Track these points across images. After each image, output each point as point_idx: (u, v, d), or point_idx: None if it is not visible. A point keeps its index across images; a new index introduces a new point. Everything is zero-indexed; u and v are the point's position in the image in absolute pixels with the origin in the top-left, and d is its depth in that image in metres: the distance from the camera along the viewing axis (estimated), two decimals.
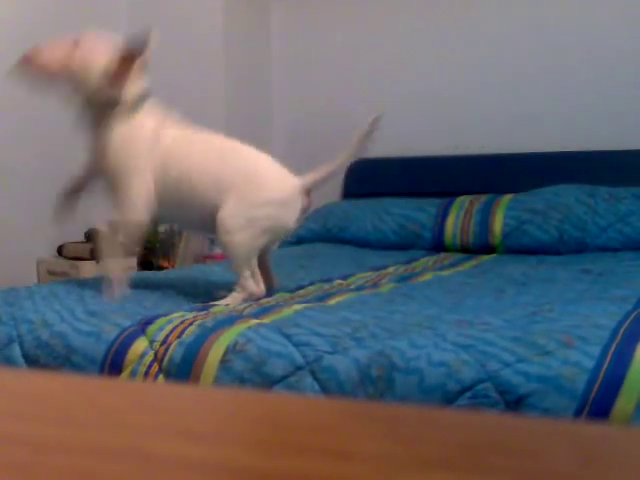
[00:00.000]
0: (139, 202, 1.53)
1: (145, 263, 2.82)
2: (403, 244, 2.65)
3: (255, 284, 1.52)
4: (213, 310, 1.40)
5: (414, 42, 3.08)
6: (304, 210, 1.58)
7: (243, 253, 1.50)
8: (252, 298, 1.52)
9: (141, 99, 1.61)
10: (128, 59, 1.55)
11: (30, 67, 1.53)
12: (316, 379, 1.10)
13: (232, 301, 1.50)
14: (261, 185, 1.54)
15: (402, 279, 1.86)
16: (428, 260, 2.32)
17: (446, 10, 3.04)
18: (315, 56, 3.25)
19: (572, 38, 2.84)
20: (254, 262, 1.53)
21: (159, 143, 1.57)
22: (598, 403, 0.95)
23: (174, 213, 1.61)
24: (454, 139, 2.98)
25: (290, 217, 1.55)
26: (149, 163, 1.55)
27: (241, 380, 1.13)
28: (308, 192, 1.59)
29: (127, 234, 1.56)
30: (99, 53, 1.53)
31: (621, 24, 2.78)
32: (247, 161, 1.59)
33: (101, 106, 1.55)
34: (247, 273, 1.51)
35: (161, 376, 1.20)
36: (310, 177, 1.58)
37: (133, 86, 1.59)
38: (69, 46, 1.52)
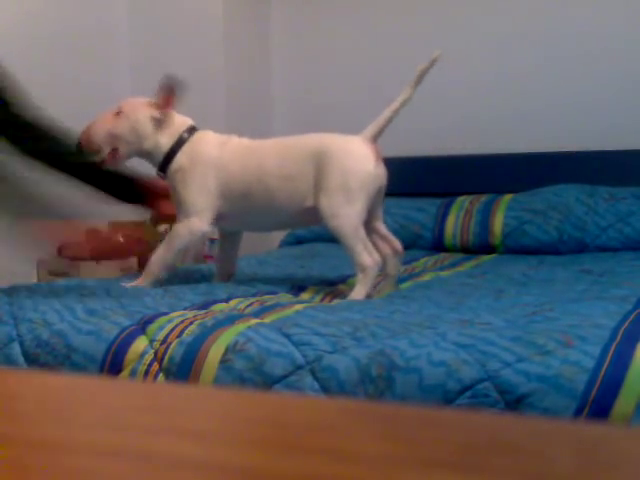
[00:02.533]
0: (204, 215, 1.67)
1: (145, 263, 2.82)
2: (403, 244, 2.65)
3: (369, 255, 1.55)
4: (213, 308, 1.40)
5: (414, 42, 3.08)
6: (378, 156, 1.63)
7: (352, 229, 1.55)
8: (373, 272, 1.55)
9: (192, 128, 1.79)
10: (170, 93, 1.72)
11: (88, 145, 1.72)
12: (316, 378, 1.10)
13: (362, 290, 1.54)
14: (337, 158, 1.59)
15: (402, 280, 1.86)
16: (428, 260, 2.32)
17: (446, 10, 3.04)
18: (315, 56, 3.25)
19: (572, 38, 2.84)
20: (362, 233, 1.56)
21: (222, 158, 1.70)
22: (598, 403, 0.95)
23: (246, 219, 1.73)
24: (454, 139, 2.98)
25: (370, 171, 1.60)
26: (213, 179, 1.68)
27: (241, 379, 1.13)
28: (374, 141, 1.66)
29: (191, 243, 1.72)
30: (138, 112, 1.72)
31: (621, 24, 2.78)
32: (307, 146, 1.65)
33: (155, 153, 1.74)
34: (360, 247, 1.54)
35: (161, 375, 1.20)
36: (370, 129, 1.66)
37: (180, 120, 1.78)
38: (113, 116, 1.73)
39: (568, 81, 2.84)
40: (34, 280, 2.58)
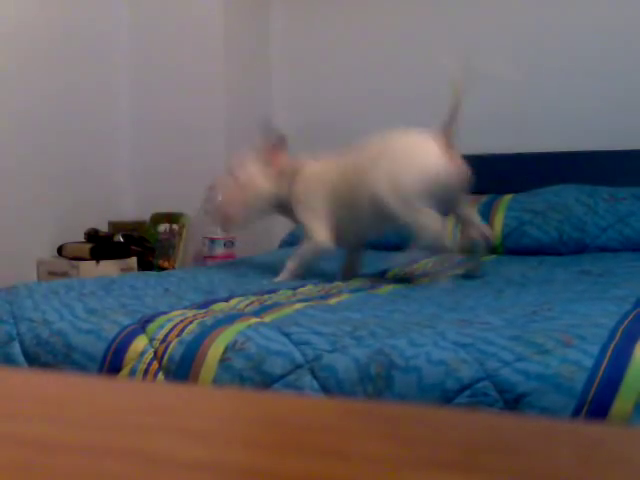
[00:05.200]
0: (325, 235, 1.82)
1: (145, 263, 2.82)
2: (403, 244, 2.64)
3: (433, 220, 1.68)
4: (213, 307, 1.40)
5: (414, 41, 3.07)
6: (447, 152, 1.72)
7: (408, 201, 1.66)
8: (435, 238, 1.68)
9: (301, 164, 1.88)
10: (275, 152, 1.85)
11: (228, 224, 1.91)
12: (315, 377, 1.10)
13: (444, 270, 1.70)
14: (404, 158, 1.71)
15: (403, 281, 1.86)
16: (428, 261, 2.32)
17: (446, 9, 3.04)
18: (315, 55, 3.25)
19: (572, 38, 2.84)
20: (445, 222, 1.72)
21: (327, 182, 1.83)
22: (597, 402, 0.95)
23: (352, 232, 1.89)
24: (454, 139, 2.98)
25: (433, 163, 1.70)
26: (325, 203, 1.82)
27: (240, 378, 1.13)
28: (445, 136, 1.74)
29: (314, 256, 1.88)
30: (259, 178, 1.84)
31: (622, 24, 2.78)
32: (393, 143, 1.77)
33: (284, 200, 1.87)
34: (421, 215, 1.66)
35: (160, 374, 1.20)
36: (439, 125, 1.77)
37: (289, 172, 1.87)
38: (233, 184, 1.85)
39: (568, 81, 2.84)
40: (34, 280, 2.58)
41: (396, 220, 1.72)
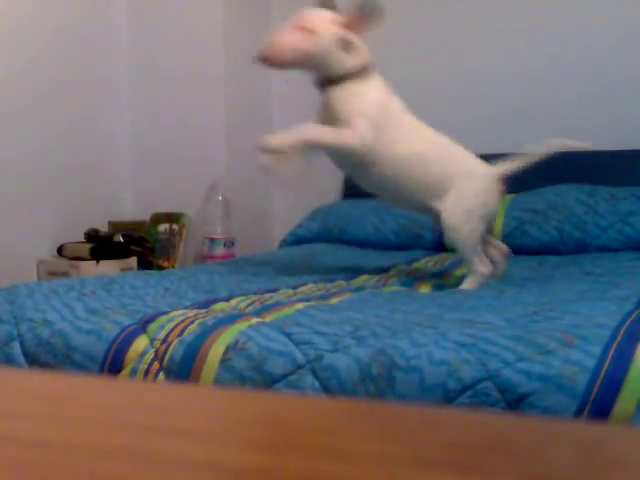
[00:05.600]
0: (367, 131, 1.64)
1: (145, 263, 2.82)
2: (404, 244, 2.65)
3: (483, 265, 1.69)
4: (214, 307, 1.40)
5: (414, 41, 3.08)
6: (502, 195, 1.77)
7: (470, 243, 1.67)
8: (484, 279, 1.70)
9: (369, 66, 1.73)
10: (359, 24, 1.65)
11: (270, 64, 1.69)
12: (317, 377, 1.10)
13: (470, 285, 1.67)
14: (472, 177, 1.73)
15: (403, 281, 1.85)
16: (429, 260, 2.32)
17: (444, 9, 3.04)
18: None
19: (572, 38, 2.84)
20: (480, 248, 1.70)
21: (385, 114, 1.69)
22: (599, 402, 0.95)
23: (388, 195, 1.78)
24: (454, 139, 2.98)
25: (496, 201, 1.75)
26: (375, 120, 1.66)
27: (241, 379, 1.13)
28: (504, 180, 1.77)
29: (345, 147, 1.67)
30: (327, 30, 1.64)
31: (622, 24, 2.78)
32: (458, 157, 1.77)
33: (335, 75, 1.69)
34: (476, 259, 1.68)
35: (161, 374, 1.20)
36: (506, 166, 1.78)
37: (360, 54, 1.71)
38: (298, 34, 1.64)
39: (568, 81, 2.84)
40: (34, 280, 2.58)
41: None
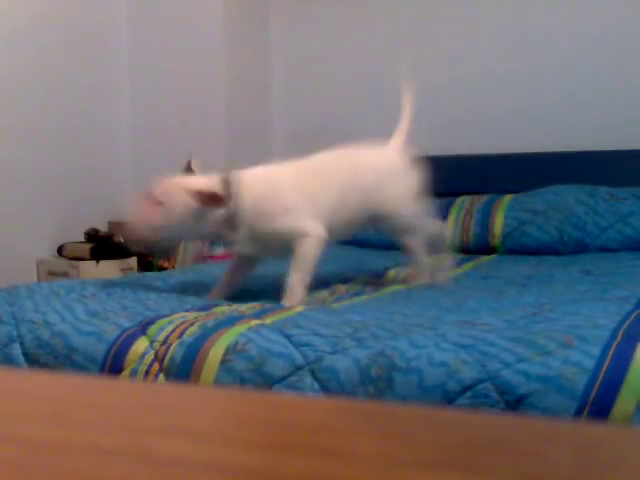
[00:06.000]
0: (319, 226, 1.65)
1: (145, 264, 2.82)
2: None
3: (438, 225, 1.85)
4: (214, 310, 1.40)
5: (413, 41, 3.08)
6: (414, 160, 1.81)
7: (421, 217, 1.79)
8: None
9: (227, 180, 1.63)
10: (214, 199, 1.58)
11: (134, 244, 1.70)
12: (316, 379, 1.10)
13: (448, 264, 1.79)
14: (384, 169, 1.77)
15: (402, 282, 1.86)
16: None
17: (445, 10, 3.04)
18: (315, 56, 3.25)
19: (572, 38, 2.84)
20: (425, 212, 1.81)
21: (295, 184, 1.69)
22: (598, 403, 0.95)
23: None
24: (454, 139, 2.98)
25: (414, 171, 1.79)
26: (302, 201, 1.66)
27: (241, 380, 1.13)
28: (405, 151, 1.83)
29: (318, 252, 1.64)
30: (179, 201, 1.57)
31: (622, 24, 2.78)
32: (370, 162, 1.78)
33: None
34: (428, 220, 1.81)
35: (161, 376, 1.20)
36: (397, 140, 1.83)
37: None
38: (149, 208, 1.59)
39: (568, 81, 2.84)
40: (34, 280, 2.58)
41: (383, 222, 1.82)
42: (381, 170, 1.76)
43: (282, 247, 1.64)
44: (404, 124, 1.84)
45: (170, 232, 1.62)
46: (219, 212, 1.57)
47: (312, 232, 1.60)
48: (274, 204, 1.62)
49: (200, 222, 1.58)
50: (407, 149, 1.82)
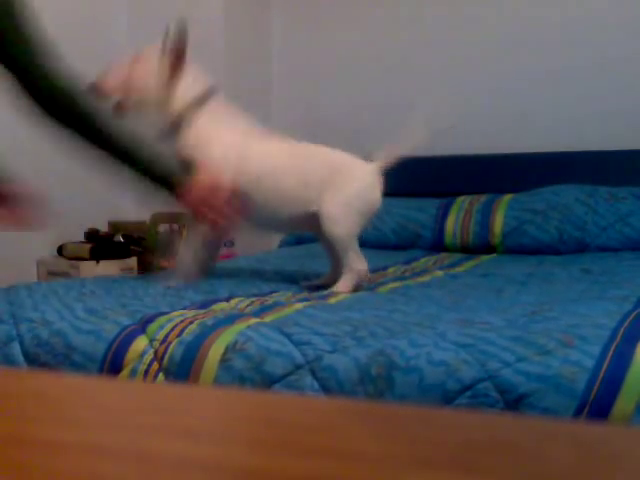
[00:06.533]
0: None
1: (145, 263, 2.82)
2: (403, 244, 2.65)
3: (360, 262, 1.67)
4: (214, 308, 1.40)
5: (413, 42, 3.08)
6: (382, 190, 1.74)
7: (349, 238, 1.66)
8: (361, 276, 1.67)
9: (200, 101, 1.72)
10: (176, 57, 1.68)
11: (99, 92, 1.66)
12: (316, 378, 1.10)
13: (344, 286, 1.64)
14: (349, 176, 1.69)
15: (403, 280, 1.86)
16: (428, 260, 2.32)
17: (446, 10, 3.04)
18: (315, 55, 3.25)
19: (572, 38, 2.84)
20: (356, 244, 1.68)
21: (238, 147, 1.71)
22: (598, 403, 0.95)
23: (261, 219, 1.76)
24: (454, 139, 2.98)
25: (377, 198, 1.72)
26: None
27: (241, 379, 1.13)
28: (382, 174, 1.75)
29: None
30: (153, 65, 1.65)
31: (621, 24, 2.78)
32: (327, 159, 1.72)
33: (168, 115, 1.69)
34: (354, 255, 1.66)
35: (161, 375, 1.20)
36: (382, 162, 1.73)
37: (188, 88, 1.73)
38: (128, 64, 1.65)
39: (568, 81, 2.84)
40: (34, 280, 2.58)
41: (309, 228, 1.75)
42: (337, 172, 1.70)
43: None
44: (397, 148, 1.74)
45: (138, 92, 1.66)
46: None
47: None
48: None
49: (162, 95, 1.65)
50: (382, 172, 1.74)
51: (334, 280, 1.70)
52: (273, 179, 1.69)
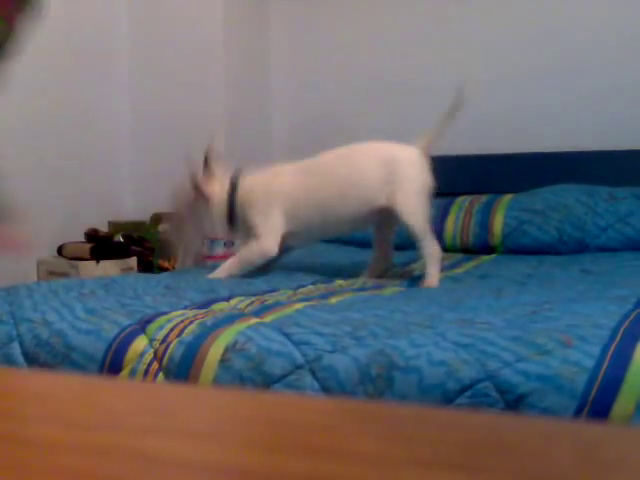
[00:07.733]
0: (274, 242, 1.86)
1: (145, 263, 2.82)
2: (403, 244, 2.64)
3: (437, 247, 1.80)
4: (213, 307, 1.40)
5: (413, 41, 3.08)
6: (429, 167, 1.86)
7: (425, 225, 1.79)
8: (441, 261, 1.83)
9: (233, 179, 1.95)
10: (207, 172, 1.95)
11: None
12: (316, 378, 1.10)
13: (433, 282, 1.75)
14: (405, 164, 1.82)
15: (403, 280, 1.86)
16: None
17: (446, 9, 3.04)
18: (315, 55, 3.25)
19: (573, 37, 2.84)
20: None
21: (279, 192, 1.88)
22: (598, 403, 0.95)
23: (317, 230, 1.92)
24: (454, 139, 2.98)
25: (430, 178, 1.85)
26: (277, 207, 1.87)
27: (241, 379, 1.13)
28: (426, 153, 1.88)
29: (258, 260, 1.89)
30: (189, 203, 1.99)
31: (621, 24, 2.78)
32: (378, 153, 1.84)
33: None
34: (433, 240, 1.80)
35: (161, 375, 1.20)
36: (423, 142, 1.86)
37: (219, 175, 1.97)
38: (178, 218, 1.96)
39: (568, 81, 2.84)
40: (34, 280, 2.58)
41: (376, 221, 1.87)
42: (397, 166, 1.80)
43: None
44: (435, 130, 1.87)
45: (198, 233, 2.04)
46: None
47: (265, 243, 1.83)
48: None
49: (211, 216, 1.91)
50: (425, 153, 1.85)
51: (379, 272, 1.88)
52: (335, 185, 1.82)
